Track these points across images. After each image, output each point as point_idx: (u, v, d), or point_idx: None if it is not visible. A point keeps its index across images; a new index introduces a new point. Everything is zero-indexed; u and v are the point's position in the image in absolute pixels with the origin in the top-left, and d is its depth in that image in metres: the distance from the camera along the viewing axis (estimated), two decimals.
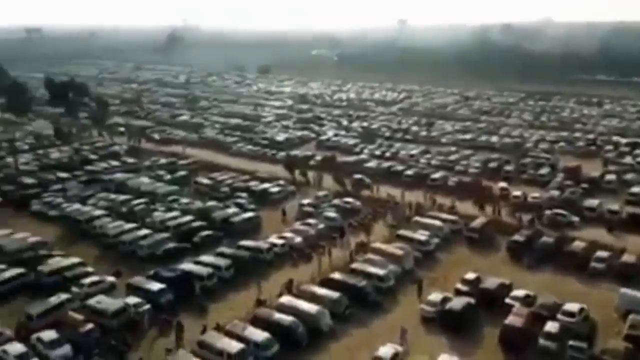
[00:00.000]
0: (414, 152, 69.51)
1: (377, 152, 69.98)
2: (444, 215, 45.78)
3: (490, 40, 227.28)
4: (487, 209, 48.49)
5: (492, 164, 62.93)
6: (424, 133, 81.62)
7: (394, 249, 38.69)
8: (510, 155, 66.76)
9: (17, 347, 27.92)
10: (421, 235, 41.29)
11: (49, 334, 29.03)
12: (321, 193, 53.30)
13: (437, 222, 43.68)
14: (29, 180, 57.29)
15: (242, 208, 49.16)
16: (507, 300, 32.46)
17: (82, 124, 76.14)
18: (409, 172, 59.51)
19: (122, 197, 51.40)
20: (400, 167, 61.63)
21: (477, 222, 43.84)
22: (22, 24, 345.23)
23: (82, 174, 60.33)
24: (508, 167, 61.38)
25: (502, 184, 54.74)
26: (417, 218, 45.26)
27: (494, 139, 77.05)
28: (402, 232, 42.19)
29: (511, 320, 29.76)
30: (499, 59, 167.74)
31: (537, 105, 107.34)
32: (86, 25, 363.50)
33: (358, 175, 57.55)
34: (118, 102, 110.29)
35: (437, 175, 58.00)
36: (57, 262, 37.57)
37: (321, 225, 44.69)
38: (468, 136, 78.56)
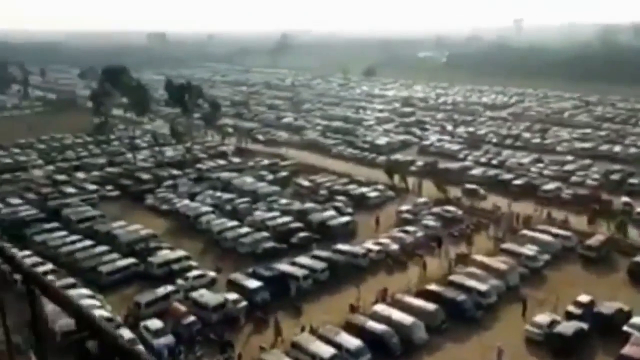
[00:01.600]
0: (524, 160, 65.51)
1: (483, 159, 66.84)
2: (556, 230, 42.53)
3: (616, 41, 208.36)
4: (606, 225, 44.35)
5: (614, 176, 57.54)
6: (536, 140, 76.59)
7: (498, 262, 36.60)
8: (636, 167, 60.66)
9: (125, 333, 30.05)
10: (529, 250, 38.67)
11: (155, 323, 30.95)
12: (421, 200, 52.00)
13: (548, 237, 40.65)
14: (145, 175, 61.90)
15: (340, 212, 49.35)
16: (625, 328, 29.30)
17: (195, 124, 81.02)
18: (518, 182, 56.05)
19: (227, 196, 53.78)
20: (508, 176, 58.34)
21: (595, 240, 40.16)
22: (149, 29, 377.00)
23: (192, 172, 64.04)
24: (633, 180, 55.78)
25: (625, 199, 49.84)
26: (525, 231, 42.48)
27: (617, 148, 70.48)
28: (507, 245, 39.83)
29: (629, 350, 26.83)
30: (626, 61, 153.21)
31: None
32: (206, 31, 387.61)
33: (471, 185, 54.95)
34: (228, 104, 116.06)
35: (549, 186, 54.13)
36: (166, 254, 40.05)
37: (420, 233, 43.54)
38: (587, 145, 72.54)
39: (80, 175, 62.71)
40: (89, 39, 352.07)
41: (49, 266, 37.20)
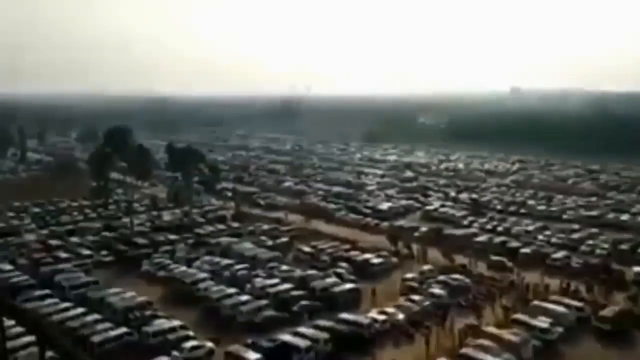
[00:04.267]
0: (530, 227, 65.53)
1: (488, 226, 66.90)
2: (568, 301, 41.81)
3: (610, 111, 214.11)
4: (617, 296, 43.72)
5: (624, 246, 57.34)
6: (541, 207, 77.02)
7: (510, 335, 35.70)
8: None
9: None
10: (542, 322, 37.85)
11: None
12: (426, 267, 51.50)
13: (561, 308, 39.91)
14: (142, 240, 61.52)
15: (342, 278, 48.75)
16: None
17: (194, 188, 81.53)
18: (526, 250, 55.81)
19: (226, 261, 53.26)
20: (516, 244, 58.09)
21: (609, 311, 39.46)
22: (146, 93, 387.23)
23: (191, 237, 63.72)
24: None
25: (638, 269, 49.38)
26: (537, 302, 41.72)
27: (625, 217, 70.70)
28: (518, 316, 39.04)
29: None
30: (623, 130, 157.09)
31: None
32: (207, 95, 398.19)
33: (497, 257, 53.07)
34: (228, 167, 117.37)
35: (558, 254, 53.80)
36: (161, 324, 39.11)
37: (426, 303, 42.79)
38: (594, 213, 72.85)
39: (75, 239, 62.32)
40: (82, 101, 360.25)
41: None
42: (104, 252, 58.04)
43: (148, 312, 41.52)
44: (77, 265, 53.02)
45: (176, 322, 39.45)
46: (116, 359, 35.53)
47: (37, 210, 77.90)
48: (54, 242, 61.10)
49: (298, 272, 50.17)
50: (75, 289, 46.32)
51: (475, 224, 68.32)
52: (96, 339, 36.47)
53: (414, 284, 47.18)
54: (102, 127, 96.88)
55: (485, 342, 35.08)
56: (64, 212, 76.75)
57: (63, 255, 55.74)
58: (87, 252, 57.22)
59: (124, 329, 38.03)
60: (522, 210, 76.14)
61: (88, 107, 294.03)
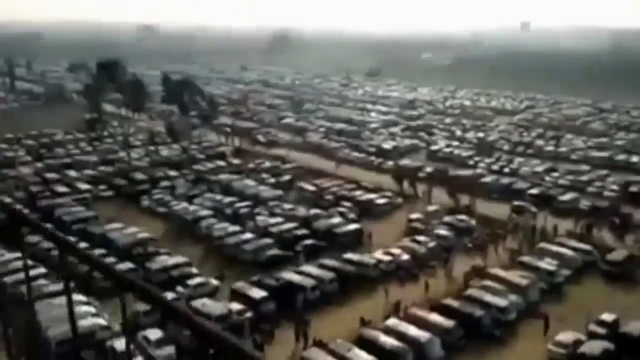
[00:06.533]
0: (538, 168, 65.49)
1: (495, 167, 66.75)
2: (575, 244, 42.34)
3: (628, 47, 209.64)
4: (626, 239, 44.27)
5: (634, 188, 57.52)
6: (550, 148, 76.55)
7: (517, 277, 36.34)
8: None
9: (124, 344, 29.56)
10: (548, 264, 38.45)
11: (155, 333, 30.50)
12: (432, 208, 51.75)
13: (568, 251, 40.45)
14: (140, 176, 61.38)
15: (345, 218, 49.07)
16: None
17: (192, 122, 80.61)
18: (534, 191, 55.86)
19: (228, 199, 53.36)
20: (523, 185, 58.20)
21: (618, 254, 40.01)
22: (137, 21, 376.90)
23: (190, 173, 63.57)
24: None
25: None
26: (544, 244, 42.27)
27: (635, 158, 70.59)
28: (525, 258, 39.60)
29: None
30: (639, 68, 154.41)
31: None
32: (198, 24, 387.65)
33: (519, 202, 52.15)
34: (225, 102, 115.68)
35: (566, 196, 54.04)
36: (165, 260, 39.62)
37: (432, 244, 43.28)
38: (604, 154, 72.65)
39: (72, 173, 62.12)
40: (71, 29, 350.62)
41: (41, 270, 36.63)
42: (102, 187, 58.00)
43: (151, 249, 41.94)
44: (75, 200, 53.10)
45: (180, 259, 39.94)
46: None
47: (30, 142, 77.22)
48: (50, 175, 60.90)
49: (301, 211, 50.42)
50: (75, 223, 46.57)
51: (482, 164, 68.20)
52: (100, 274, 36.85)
53: (419, 225, 47.55)
54: (93, 57, 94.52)
55: (491, 284, 35.76)
56: (59, 145, 76.12)
57: (61, 189, 55.70)
58: (85, 186, 57.16)
59: (129, 264, 38.45)
60: (530, 151, 75.82)
61: (78, 36, 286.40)
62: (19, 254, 37.87)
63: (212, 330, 2.72)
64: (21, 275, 34.69)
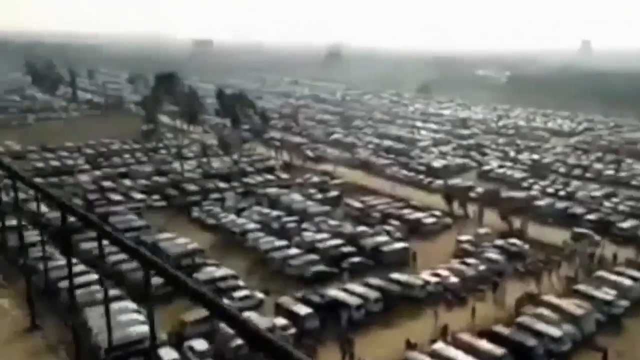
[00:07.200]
0: (596, 193, 63.12)
1: (550, 190, 64.77)
2: (635, 273, 40.46)
3: None
4: None
5: None
6: (609, 172, 73.69)
7: (572, 306, 34.99)
8: None
9: (169, 353, 30.12)
10: (606, 294, 36.87)
11: (201, 344, 30.99)
12: (482, 230, 50.66)
13: (628, 281, 38.72)
14: (191, 187, 62.91)
15: (392, 237, 48.69)
16: None
17: (243, 136, 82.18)
18: (592, 217, 53.82)
19: (275, 213, 53.93)
20: (580, 210, 56.20)
21: None
22: (193, 36, 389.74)
23: (240, 186, 64.68)
24: None
25: None
26: (602, 273, 40.60)
27: None
28: (581, 287, 38.15)
29: None
30: None
31: None
32: (252, 40, 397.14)
33: (580, 229, 49.95)
34: (276, 116, 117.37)
35: (626, 223, 51.77)
36: (212, 271, 40.32)
37: (482, 267, 42.33)
38: None
39: (127, 182, 64.33)
40: (130, 42, 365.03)
41: (94, 276, 37.88)
42: (155, 197, 59.77)
43: (199, 260, 42.79)
44: (129, 208, 54.89)
45: (227, 271, 40.55)
46: (170, 304, 36.85)
47: (89, 151, 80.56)
48: (106, 183, 63.29)
49: (347, 228, 50.37)
50: (128, 231, 48.02)
51: (536, 187, 66.33)
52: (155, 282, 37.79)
53: (469, 247, 46.63)
54: (151, 69, 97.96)
55: (545, 312, 34.56)
56: (115, 154, 79.10)
57: (116, 197, 57.74)
58: (139, 195, 59.05)
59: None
60: (588, 175, 73.21)
61: (137, 49, 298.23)
62: (74, 260, 39.54)
63: (266, 336, 2.83)
64: (74, 281, 36.16)
